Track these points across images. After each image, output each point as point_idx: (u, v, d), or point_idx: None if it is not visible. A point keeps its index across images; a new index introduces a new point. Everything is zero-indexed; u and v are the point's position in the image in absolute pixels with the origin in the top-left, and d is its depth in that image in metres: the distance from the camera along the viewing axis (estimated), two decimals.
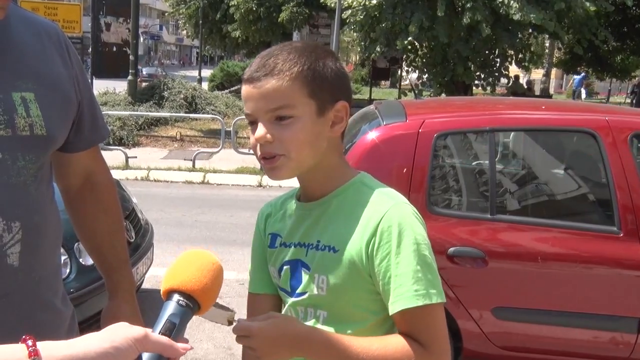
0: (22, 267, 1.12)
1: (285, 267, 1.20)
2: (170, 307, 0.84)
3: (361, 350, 1.06)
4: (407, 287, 1.05)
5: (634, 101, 23.07)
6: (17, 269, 1.11)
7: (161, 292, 0.88)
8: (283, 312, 1.22)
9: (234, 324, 1.06)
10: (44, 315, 1.20)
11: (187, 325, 0.86)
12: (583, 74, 25.47)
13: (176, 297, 0.85)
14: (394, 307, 1.07)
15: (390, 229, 1.07)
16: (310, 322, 1.16)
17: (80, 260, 3.18)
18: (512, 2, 12.56)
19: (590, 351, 3.04)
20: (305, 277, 1.16)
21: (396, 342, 1.07)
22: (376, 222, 1.08)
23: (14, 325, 1.12)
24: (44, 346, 0.72)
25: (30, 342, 0.71)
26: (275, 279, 1.24)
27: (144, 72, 34.45)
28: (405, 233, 1.07)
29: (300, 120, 1.09)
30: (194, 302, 0.86)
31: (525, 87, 18.74)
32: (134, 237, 3.77)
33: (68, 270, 3.15)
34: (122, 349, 0.74)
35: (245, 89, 1.11)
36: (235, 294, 4.56)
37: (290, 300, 1.19)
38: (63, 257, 3.14)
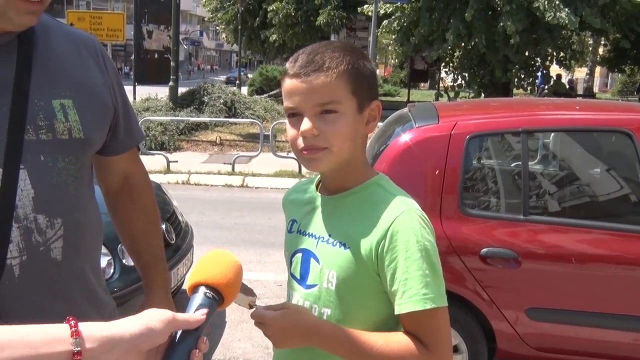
0: (65, 261, 1.22)
1: (297, 255, 1.25)
2: (198, 298, 0.91)
3: (367, 344, 1.11)
4: (416, 290, 1.09)
5: None
6: (60, 262, 1.21)
7: (187, 287, 0.95)
8: (292, 299, 1.27)
9: (254, 308, 1.14)
10: (88, 304, 1.30)
11: (212, 315, 0.93)
12: (545, 71, 23.25)
13: (203, 289, 0.92)
14: (401, 308, 1.11)
15: (401, 233, 1.11)
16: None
17: (124, 261, 3.30)
18: (546, 4, 12.28)
19: (630, 354, 3.00)
20: (315, 270, 1.21)
21: (400, 340, 1.12)
22: (388, 224, 1.12)
23: (61, 313, 1.21)
24: (84, 326, 0.80)
25: (73, 323, 0.79)
26: (287, 265, 1.30)
27: (230, 76, 35.89)
28: (416, 239, 1.11)
29: (344, 116, 1.14)
30: (219, 295, 0.92)
31: (567, 86, 18.35)
32: (174, 239, 3.88)
33: (112, 271, 3.28)
34: (156, 329, 0.83)
35: (291, 83, 1.15)
36: (273, 294, 4.64)
37: (301, 289, 1.24)
38: (107, 258, 3.26)
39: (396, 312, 1.12)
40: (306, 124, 1.13)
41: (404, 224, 1.12)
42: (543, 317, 2.97)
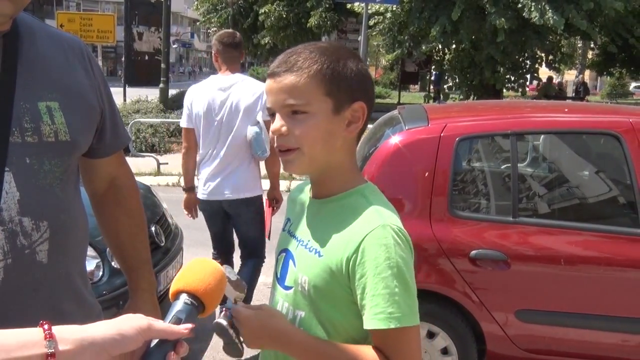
0: (51, 263, 1.21)
1: (282, 254, 1.25)
2: (178, 305, 0.91)
3: (334, 356, 1.10)
4: (382, 308, 1.06)
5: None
6: (46, 265, 1.20)
7: (169, 294, 0.94)
8: (273, 297, 1.27)
9: (237, 305, 1.13)
10: (73, 307, 1.29)
11: (194, 322, 0.92)
12: (438, 73, 20.73)
13: (184, 296, 0.92)
14: (367, 324, 1.08)
15: (372, 249, 1.07)
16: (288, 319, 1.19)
17: (113, 263, 3.27)
18: (532, 5, 12.36)
19: (618, 354, 3.02)
20: (291, 272, 1.20)
21: (368, 355, 1.09)
22: (360, 239, 1.08)
23: (47, 316, 1.20)
24: (57, 329, 0.80)
25: (46, 327, 0.80)
26: (275, 262, 1.29)
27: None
28: (387, 255, 1.07)
29: (314, 117, 1.11)
30: (199, 303, 0.93)
31: (557, 88, 18.48)
32: (164, 241, 3.87)
33: (101, 273, 3.24)
34: (127, 335, 0.83)
35: (267, 82, 1.16)
36: (262, 296, 4.63)
37: (280, 289, 1.24)
38: (96, 261, 3.23)
39: (364, 327, 1.09)
40: (276, 123, 1.13)
41: (376, 239, 1.07)
42: (532, 319, 2.98)
